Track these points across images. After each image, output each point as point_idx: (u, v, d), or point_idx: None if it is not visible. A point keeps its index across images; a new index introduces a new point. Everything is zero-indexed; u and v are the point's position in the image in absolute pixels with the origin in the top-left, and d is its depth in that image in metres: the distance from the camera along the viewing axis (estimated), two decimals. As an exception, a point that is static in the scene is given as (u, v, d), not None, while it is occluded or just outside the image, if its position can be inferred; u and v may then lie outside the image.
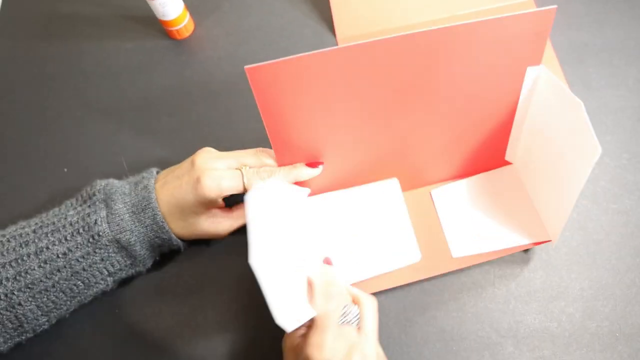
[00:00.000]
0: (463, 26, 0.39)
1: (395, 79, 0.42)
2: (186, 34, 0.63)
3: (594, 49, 0.58)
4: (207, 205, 0.46)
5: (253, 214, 0.41)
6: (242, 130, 0.58)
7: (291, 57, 0.38)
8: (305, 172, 0.47)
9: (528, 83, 0.45)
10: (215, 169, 0.46)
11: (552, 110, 0.44)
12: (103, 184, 0.47)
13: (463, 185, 0.53)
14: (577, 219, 0.51)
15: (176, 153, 0.57)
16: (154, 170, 0.49)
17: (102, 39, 0.64)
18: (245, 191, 0.46)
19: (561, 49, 0.58)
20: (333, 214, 0.51)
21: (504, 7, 0.61)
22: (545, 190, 0.49)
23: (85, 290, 0.46)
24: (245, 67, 0.37)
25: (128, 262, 0.46)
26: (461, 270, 0.50)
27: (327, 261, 0.47)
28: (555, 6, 0.39)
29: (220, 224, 0.48)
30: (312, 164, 0.47)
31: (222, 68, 0.61)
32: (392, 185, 0.52)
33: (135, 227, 0.45)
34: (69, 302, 0.46)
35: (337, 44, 0.61)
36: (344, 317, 0.42)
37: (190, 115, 0.59)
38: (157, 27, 0.63)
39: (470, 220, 0.51)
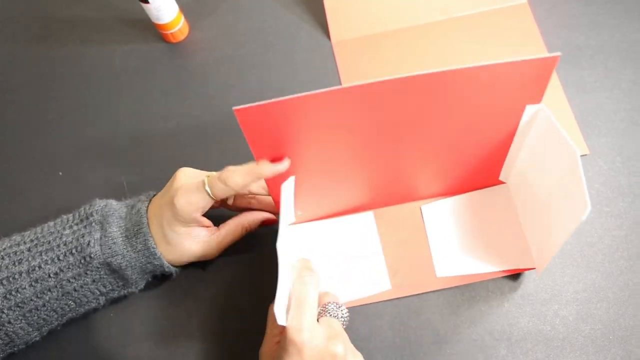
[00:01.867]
0: (464, 70, 0.38)
1: (390, 116, 0.41)
2: (181, 37, 0.63)
3: (589, 51, 0.58)
4: (188, 222, 0.45)
5: (285, 203, 0.42)
6: (239, 133, 0.57)
7: (280, 99, 0.37)
8: (268, 168, 0.42)
9: (527, 117, 0.44)
10: (186, 185, 0.44)
11: (548, 149, 0.43)
12: (102, 205, 0.46)
13: (454, 202, 0.52)
14: (571, 221, 0.51)
15: (172, 157, 0.57)
16: (152, 193, 0.48)
17: (98, 43, 0.64)
18: (216, 201, 0.44)
19: (555, 51, 0.58)
20: (311, 243, 0.52)
21: (499, 10, 0.61)
22: (535, 218, 0.48)
23: (77, 309, 0.46)
24: (234, 108, 0.36)
25: (120, 283, 0.46)
26: (455, 274, 0.50)
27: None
28: (559, 53, 0.38)
29: (206, 243, 0.47)
30: (277, 159, 0.43)
31: (217, 71, 0.61)
32: (367, 218, 0.52)
33: (127, 252, 0.44)
34: (60, 319, 0.46)
35: (332, 47, 0.61)
36: (331, 311, 0.43)
37: (185, 118, 0.59)
38: (153, 31, 0.63)
39: (457, 240, 0.51)
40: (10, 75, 0.64)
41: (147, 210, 0.46)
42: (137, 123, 0.59)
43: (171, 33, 0.62)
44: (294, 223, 0.52)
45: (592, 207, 0.51)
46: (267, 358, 0.42)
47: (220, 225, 0.49)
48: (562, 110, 0.55)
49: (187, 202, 0.43)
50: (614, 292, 0.48)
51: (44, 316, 0.44)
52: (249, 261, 0.51)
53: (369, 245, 0.51)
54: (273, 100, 0.37)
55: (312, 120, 0.40)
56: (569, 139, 0.40)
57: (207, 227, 0.48)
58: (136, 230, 0.44)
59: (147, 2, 0.57)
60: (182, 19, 0.62)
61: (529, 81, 0.40)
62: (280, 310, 0.38)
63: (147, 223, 0.45)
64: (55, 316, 0.45)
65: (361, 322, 0.49)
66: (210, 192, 0.43)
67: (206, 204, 0.44)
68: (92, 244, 0.43)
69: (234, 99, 0.59)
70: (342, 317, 0.43)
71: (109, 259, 0.44)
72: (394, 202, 0.52)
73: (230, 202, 0.50)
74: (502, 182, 0.52)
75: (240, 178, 0.43)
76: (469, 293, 0.49)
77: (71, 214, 0.47)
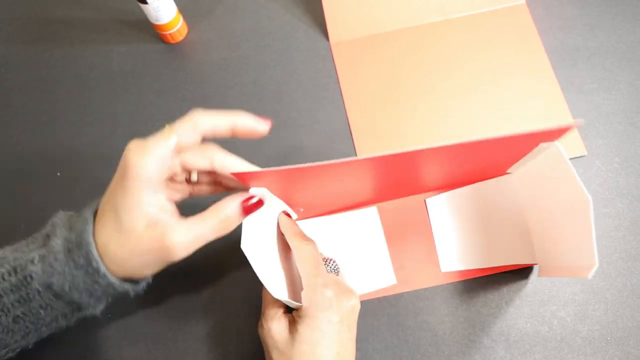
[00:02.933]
0: (482, 142, 0.35)
1: (401, 171, 0.42)
2: (179, 37, 0.63)
3: (586, 53, 0.58)
4: (143, 187, 0.35)
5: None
6: (235, 134, 0.58)
7: (283, 168, 0.35)
8: (245, 120, 0.39)
9: (538, 148, 0.43)
10: (137, 142, 0.36)
11: (559, 180, 0.42)
12: (59, 215, 0.38)
13: (459, 194, 0.52)
14: (569, 222, 0.51)
15: (169, 157, 0.57)
16: (92, 210, 0.38)
17: (96, 43, 0.64)
18: (178, 145, 0.37)
19: (553, 52, 0.58)
20: (315, 239, 0.51)
21: (497, 10, 0.61)
22: (540, 219, 0.47)
23: (41, 328, 0.38)
24: (232, 172, 0.36)
25: (74, 307, 0.37)
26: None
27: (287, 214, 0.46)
28: (579, 121, 0.36)
29: (163, 230, 0.36)
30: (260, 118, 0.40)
31: (215, 72, 0.61)
32: (371, 213, 0.52)
33: (68, 269, 0.35)
34: (24, 341, 0.39)
35: (330, 48, 0.61)
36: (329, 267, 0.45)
37: (183, 119, 0.59)
38: (151, 31, 0.63)
39: (462, 233, 0.51)
40: (7, 76, 0.63)
41: (94, 213, 0.37)
42: (134, 123, 0.59)
43: (170, 34, 0.62)
44: (297, 219, 0.52)
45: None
46: (271, 336, 0.40)
47: (190, 217, 0.38)
48: (560, 111, 0.56)
49: (142, 148, 0.35)
50: (612, 294, 0.48)
51: (2, 336, 0.37)
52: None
53: (373, 240, 0.51)
54: (273, 169, 0.36)
55: (315, 180, 0.40)
56: (582, 185, 0.38)
57: (175, 213, 0.39)
58: (78, 241, 0.35)
59: (146, 3, 0.57)
60: (181, 20, 0.62)
61: (548, 137, 0.40)
62: (280, 293, 0.39)
63: (93, 230, 0.36)
64: (16, 338, 0.38)
65: (359, 322, 0.48)
66: (175, 134, 0.36)
67: (166, 153, 0.36)
68: (35, 261, 0.35)
69: (232, 100, 0.59)
70: (333, 269, 0.45)
71: (50, 279, 0.35)
72: (398, 196, 0.52)
73: (194, 177, 0.41)
74: (508, 173, 0.51)
75: (210, 119, 0.37)
76: (467, 294, 0.49)
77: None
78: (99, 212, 0.37)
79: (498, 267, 0.49)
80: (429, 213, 0.52)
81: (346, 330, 0.39)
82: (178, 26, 0.62)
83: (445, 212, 0.52)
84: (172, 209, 0.39)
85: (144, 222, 0.36)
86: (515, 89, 0.57)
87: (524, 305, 0.48)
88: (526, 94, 0.57)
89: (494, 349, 0.47)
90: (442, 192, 0.52)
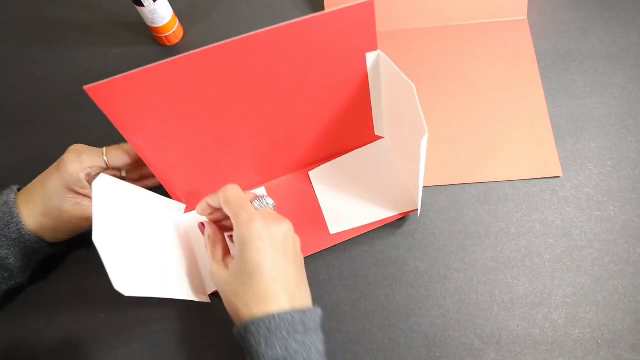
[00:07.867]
0: (292, 24, 0.41)
1: (239, 80, 0.44)
2: (175, 40, 0.63)
3: (579, 57, 0.58)
4: (72, 184, 0.46)
5: (98, 201, 0.42)
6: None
7: (129, 72, 0.40)
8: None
9: (370, 66, 0.48)
10: (78, 148, 0.47)
11: (394, 91, 0.47)
12: None
13: (339, 163, 0.56)
14: (561, 225, 0.51)
15: (164, 159, 0.57)
16: (15, 186, 0.49)
17: (92, 45, 0.65)
18: (107, 167, 0.48)
19: (546, 56, 0.59)
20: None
21: (497, 23, 0.61)
22: (406, 163, 0.51)
23: None
24: (85, 87, 0.39)
25: (5, 275, 0.47)
26: (445, 277, 0.50)
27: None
28: None
29: (86, 207, 0.48)
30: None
31: (210, 74, 0.62)
32: (259, 193, 0.51)
33: (3, 242, 0.45)
34: None
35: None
36: (256, 205, 0.45)
37: (178, 121, 0.59)
38: (147, 34, 0.64)
39: (345, 197, 0.54)
40: (2, 77, 0.64)
41: (15, 197, 0.47)
42: (130, 125, 0.59)
43: (166, 36, 0.62)
44: (186, 211, 0.53)
45: (582, 211, 0.51)
46: (215, 278, 0.43)
47: None
48: (541, 123, 0.56)
49: (77, 160, 0.46)
50: (603, 296, 0.48)
51: None
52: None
53: None
54: (120, 75, 0.40)
55: (165, 91, 0.42)
56: (403, 75, 0.43)
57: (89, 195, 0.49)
58: (7, 221, 0.45)
59: (142, 5, 0.57)
60: (177, 23, 0.62)
61: (357, 28, 0.44)
62: (119, 284, 0.40)
63: (19, 213, 0.46)
64: None
65: (351, 324, 0.49)
66: (106, 157, 0.47)
67: (97, 165, 0.47)
68: None
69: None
70: (264, 204, 0.46)
71: None
72: (283, 174, 0.55)
73: (123, 174, 0.51)
74: (381, 137, 0.56)
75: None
76: (459, 296, 0.49)
77: None
78: (25, 190, 0.48)
79: (381, 220, 0.52)
80: (313, 184, 0.54)
81: (282, 255, 0.41)
82: (174, 29, 0.62)
83: (327, 181, 0.55)
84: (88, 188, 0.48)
85: (71, 203, 0.47)
86: (502, 99, 0.57)
87: (515, 307, 0.48)
88: (512, 107, 0.57)
89: (485, 351, 0.47)
90: (324, 163, 0.56)
